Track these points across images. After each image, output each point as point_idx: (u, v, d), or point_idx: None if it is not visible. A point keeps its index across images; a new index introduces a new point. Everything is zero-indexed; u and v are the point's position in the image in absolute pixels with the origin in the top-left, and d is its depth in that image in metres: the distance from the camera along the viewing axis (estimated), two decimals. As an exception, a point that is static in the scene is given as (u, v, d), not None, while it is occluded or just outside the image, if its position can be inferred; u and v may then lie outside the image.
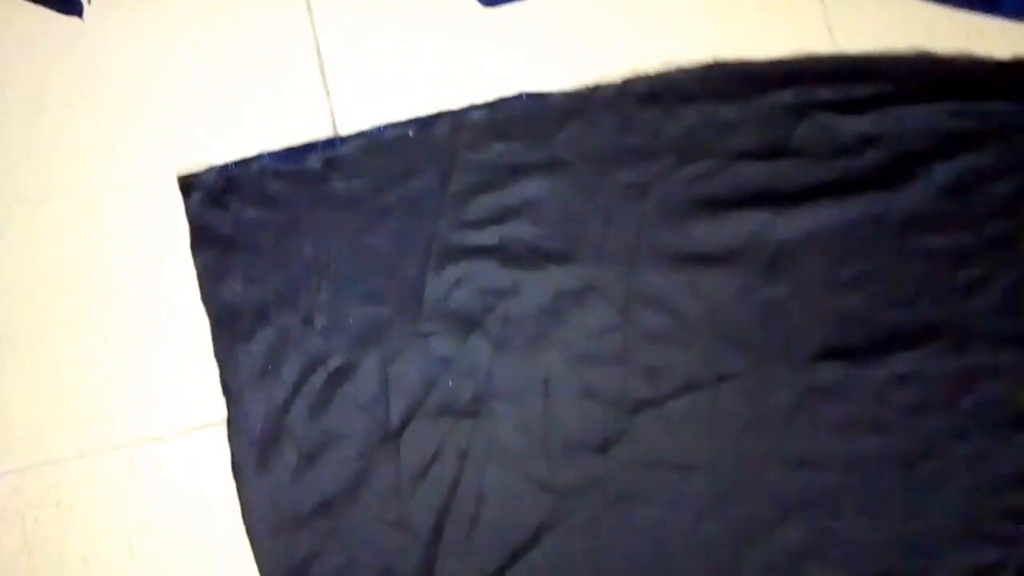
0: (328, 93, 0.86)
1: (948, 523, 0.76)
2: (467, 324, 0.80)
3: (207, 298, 0.80)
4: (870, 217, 0.82)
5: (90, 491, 0.80)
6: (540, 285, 0.80)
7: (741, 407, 0.78)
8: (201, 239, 0.81)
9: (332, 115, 0.86)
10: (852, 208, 0.82)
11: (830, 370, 0.79)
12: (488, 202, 0.82)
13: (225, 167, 0.83)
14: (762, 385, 0.78)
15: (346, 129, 0.85)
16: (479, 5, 0.86)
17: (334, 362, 0.79)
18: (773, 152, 0.84)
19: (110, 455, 0.80)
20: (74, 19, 0.86)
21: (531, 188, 0.82)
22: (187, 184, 0.83)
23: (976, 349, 0.80)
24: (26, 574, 0.79)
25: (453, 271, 0.80)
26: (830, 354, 0.79)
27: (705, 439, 0.77)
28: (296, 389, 0.78)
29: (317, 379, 0.78)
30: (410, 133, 0.84)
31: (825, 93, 0.85)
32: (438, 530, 0.75)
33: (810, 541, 0.76)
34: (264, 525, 0.76)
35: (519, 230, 0.81)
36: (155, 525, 0.79)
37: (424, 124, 0.84)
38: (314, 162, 0.83)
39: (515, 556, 0.75)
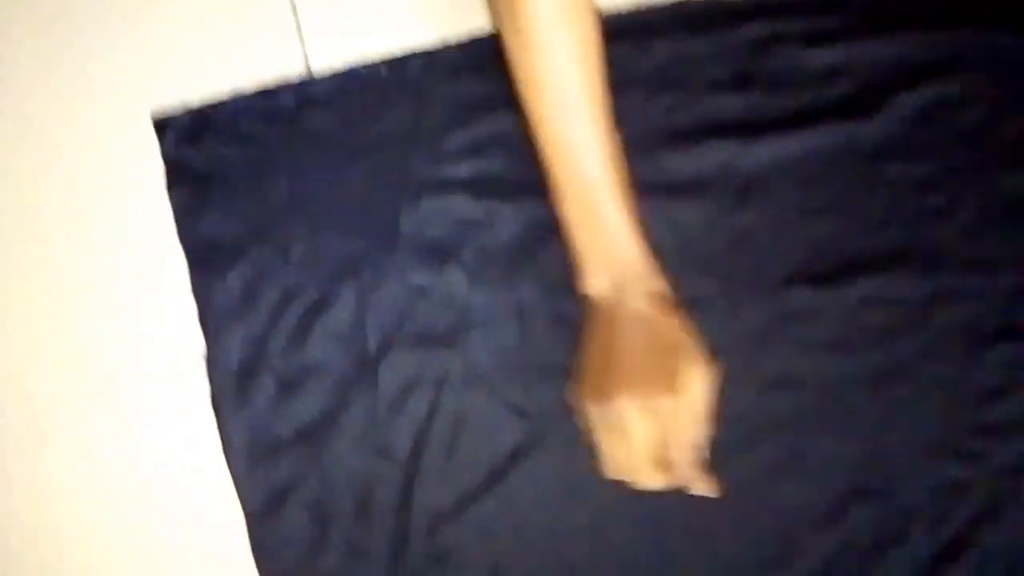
0: (301, 35, 0.87)
1: (919, 440, 0.78)
2: (443, 256, 0.80)
3: (184, 235, 0.81)
4: (838, 146, 0.83)
5: (73, 429, 0.80)
6: (514, 216, 0.81)
7: (712, 331, 0.79)
8: (176, 178, 0.82)
9: (305, 56, 0.86)
10: (820, 138, 0.83)
11: (800, 294, 0.80)
12: (462, 137, 0.83)
13: (200, 109, 0.84)
14: (733, 310, 0.80)
15: (320, 70, 0.86)
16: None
17: (311, 295, 0.79)
18: (742, 84, 0.85)
19: (93, 393, 0.80)
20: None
21: (504, 122, 0.83)
22: (161, 125, 0.83)
23: (944, 273, 0.81)
24: (6, 514, 0.80)
25: (428, 204, 0.81)
26: (800, 279, 0.80)
27: (678, 364, 0.78)
28: (273, 321, 0.79)
29: (294, 311, 0.79)
30: (383, 72, 0.85)
31: (793, 26, 0.86)
32: (416, 455, 0.76)
33: (783, 460, 0.77)
34: (243, 455, 0.77)
35: (492, 163, 0.82)
36: (139, 461, 0.80)
37: (397, 63, 0.85)
38: (287, 100, 0.83)
39: (492, 478, 0.76)
